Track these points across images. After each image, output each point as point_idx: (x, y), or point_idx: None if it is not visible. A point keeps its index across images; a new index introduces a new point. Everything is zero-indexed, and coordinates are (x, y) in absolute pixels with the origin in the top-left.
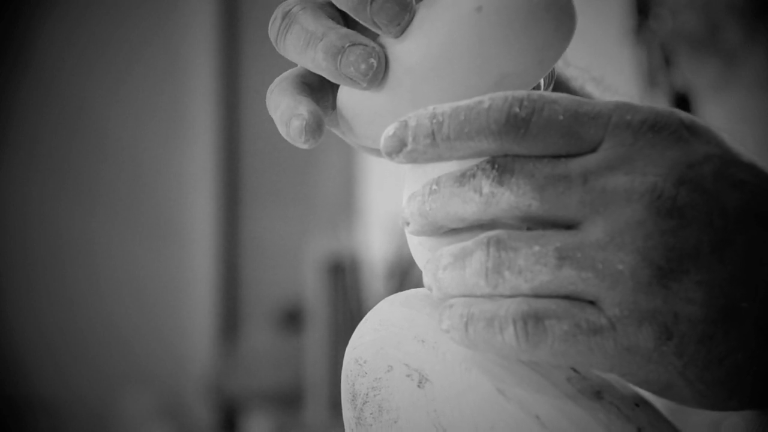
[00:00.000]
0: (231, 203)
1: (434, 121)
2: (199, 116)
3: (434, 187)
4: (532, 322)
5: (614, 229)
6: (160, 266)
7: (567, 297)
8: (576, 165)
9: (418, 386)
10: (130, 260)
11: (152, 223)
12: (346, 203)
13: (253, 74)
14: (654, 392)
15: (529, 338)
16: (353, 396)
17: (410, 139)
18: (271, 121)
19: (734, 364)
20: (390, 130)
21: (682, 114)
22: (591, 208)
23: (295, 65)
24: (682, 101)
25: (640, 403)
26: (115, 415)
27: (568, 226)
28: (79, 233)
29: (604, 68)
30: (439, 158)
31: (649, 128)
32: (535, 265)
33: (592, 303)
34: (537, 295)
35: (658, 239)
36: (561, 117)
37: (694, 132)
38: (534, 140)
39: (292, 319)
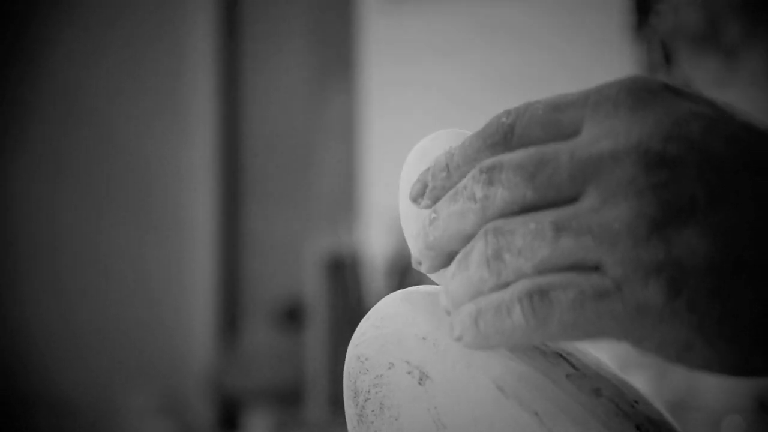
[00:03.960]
0: (231, 200)
1: (448, 155)
2: (200, 114)
3: (433, 215)
4: (537, 296)
5: (606, 191)
6: (161, 263)
7: (571, 269)
8: (562, 146)
9: (419, 383)
10: (131, 257)
11: (153, 220)
12: (346, 200)
13: (254, 72)
14: (674, 358)
15: (537, 313)
16: (355, 393)
17: (430, 178)
18: (271, 118)
19: (752, 317)
20: (416, 177)
21: (668, 80)
22: (582, 179)
23: None
24: None
25: (639, 400)
26: (115, 411)
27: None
28: (80, 230)
29: (605, 65)
30: (454, 186)
31: (628, 93)
32: (533, 242)
33: (596, 269)
34: (541, 273)
35: (651, 194)
36: (540, 112)
37: (679, 93)
38: (519, 140)
39: (293, 316)
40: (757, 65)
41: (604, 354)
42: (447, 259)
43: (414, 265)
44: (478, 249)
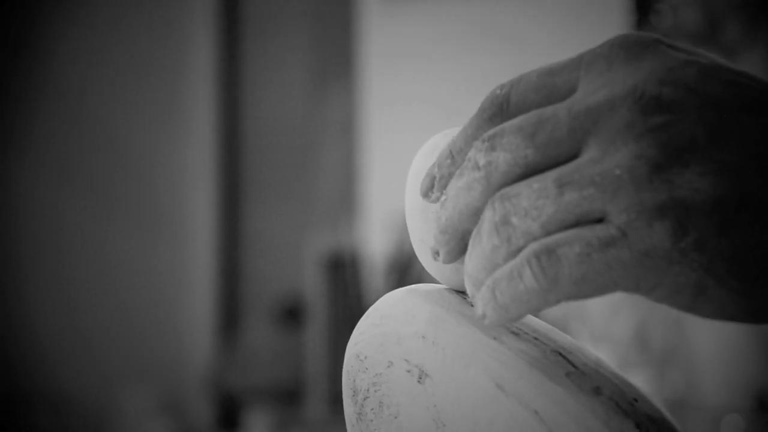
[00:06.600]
0: (231, 199)
1: (450, 142)
2: (200, 112)
3: (443, 198)
4: (545, 255)
5: (605, 140)
6: (161, 262)
7: (578, 223)
8: (560, 104)
9: (418, 382)
10: (130, 256)
11: (152, 218)
12: (346, 199)
13: (254, 71)
14: (688, 306)
15: (546, 273)
16: (354, 391)
17: (437, 169)
18: (270, 118)
19: (763, 253)
20: (424, 173)
21: (662, 36)
22: (581, 132)
23: None
24: None
25: (639, 399)
26: (115, 410)
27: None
28: (81, 230)
29: None
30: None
31: (621, 48)
32: (537, 201)
33: (602, 221)
34: (549, 233)
35: (649, 137)
36: (535, 78)
37: (672, 46)
38: (516, 107)
39: (292, 314)
40: (757, 65)
41: (604, 353)
42: (462, 245)
43: (432, 257)
44: (487, 218)
